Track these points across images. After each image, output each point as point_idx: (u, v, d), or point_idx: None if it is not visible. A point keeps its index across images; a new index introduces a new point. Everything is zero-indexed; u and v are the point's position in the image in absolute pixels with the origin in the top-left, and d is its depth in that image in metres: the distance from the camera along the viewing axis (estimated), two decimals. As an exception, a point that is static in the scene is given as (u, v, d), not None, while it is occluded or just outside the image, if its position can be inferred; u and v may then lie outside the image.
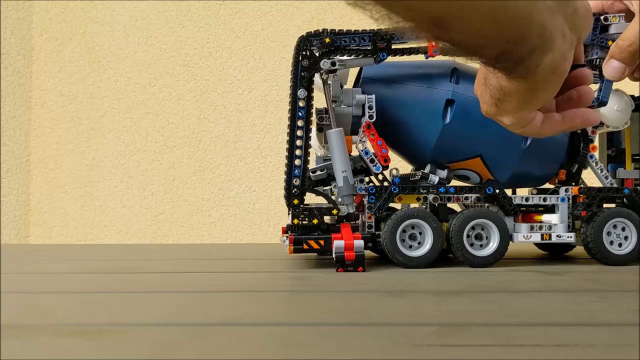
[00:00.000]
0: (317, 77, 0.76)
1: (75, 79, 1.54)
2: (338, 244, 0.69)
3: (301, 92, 0.75)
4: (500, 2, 0.36)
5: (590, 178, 0.83)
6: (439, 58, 0.78)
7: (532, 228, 0.76)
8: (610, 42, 0.75)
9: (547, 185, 0.83)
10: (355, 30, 0.75)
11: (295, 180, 0.75)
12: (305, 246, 0.72)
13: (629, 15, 0.75)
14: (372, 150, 0.77)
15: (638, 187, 0.78)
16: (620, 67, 0.66)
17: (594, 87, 0.77)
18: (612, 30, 0.76)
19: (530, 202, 0.78)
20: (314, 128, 0.78)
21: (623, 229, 0.75)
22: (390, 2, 0.34)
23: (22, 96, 1.56)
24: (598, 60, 0.76)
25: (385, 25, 0.35)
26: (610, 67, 0.67)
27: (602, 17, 0.75)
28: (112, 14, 1.54)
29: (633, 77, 0.71)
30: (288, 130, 0.75)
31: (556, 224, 0.76)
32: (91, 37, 1.54)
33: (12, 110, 1.55)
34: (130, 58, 1.53)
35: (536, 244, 0.91)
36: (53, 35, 1.55)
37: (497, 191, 0.77)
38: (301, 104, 0.75)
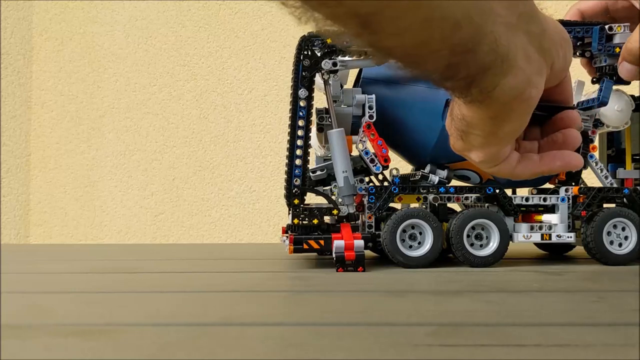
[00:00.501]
0: (317, 77, 0.76)
1: (75, 79, 1.54)
2: (338, 243, 0.69)
3: (302, 92, 0.75)
4: (434, 1, 0.31)
5: (590, 178, 0.83)
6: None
7: (532, 228, 0.76)
8: (617, 49, 0.75)
9: (547, 185, 0.83)
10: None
11: (296, 180, 0.75)
12: (305, 246, 0.72)
13: (632, 10, 0.75)
14: (372, 150, 0.77)
15: (638, 187, 0.78)
16: (632, 68, 0.66)
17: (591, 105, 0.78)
18: (617, 40, 0.76)
19: (530, 202, 0.78)
20: (313, 128, 0.78)
21: (623, 229, 0.75)
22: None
23: (22, 96, 1.56)
24: (608, 67, 0.76)
25: (311, 28, 0.32)
26: (624, 69, 0.67)
27: (606, 27, 0.75)
28: (112, 14, 1.54)
29: None
30: (289, 130, 0.75)
31: (556, 224, 0.76)
32: (91, 37, 1.54)
33: (12, 110, 1.55)
34: (130, 58, 1.53)
35: (536, 244, 0.91)
36: (53, 35, 1.55)
37: (497, 191, 0.77)
38: (302, 103, 0.75)
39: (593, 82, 0.79)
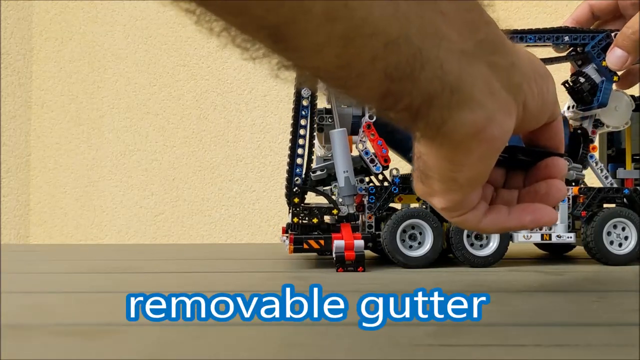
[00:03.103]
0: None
1: (75, 79, 1.54)
2: (338, 243, 0.69)
3: (305, 91, 0.75)
4: (356, 13, 0.26)
5: (590, 178, 0.83)
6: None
7: (532, 228, 0.76)
8: (604, 63, 0.75)
9: (547, 185, 0.83)
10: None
11: (297, 180, 0.75)
12: (305, 246, 0.72)
13: (616, 11, 0.74)
14: (372, 150, 0.77)
15: (638, 187, 0.78)
16: (623, 55, 0.63)
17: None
18: None
19: (530, 202, 0.78)
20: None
21: (623, 229, 0.75)
22: (206, 1, 0.27)
23: (22, 96, 1.56)
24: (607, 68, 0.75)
25: (222, 42, 0.28)
26: (614, 55, 0.63)
27: (612, 34, 0.74)
28: (112, 13, 1.54)
29: (628, 81, 0.69)
30: (291, 129, 0.75)
31: (556, 224, 0.76)
32: (91, 37, 1.54)
33: (12, 110, 1.55)
34: (130, 58, 1.53)
35: (536, 244, 0.91)
36: (53, 35, 1.55)
37: (497, 191, 0.77)
38: (305, 102, 0.75)
39: (564, 84, 0.79)
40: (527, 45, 0.79)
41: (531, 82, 0.35)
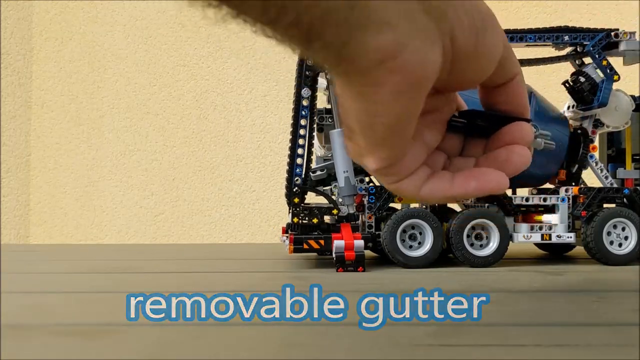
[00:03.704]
0: (320, 78, 0.76)
1: (75, 79, 1.54)
2: (338, 243, 0.69)
3: (305, 91, 0.75)
4: None
5: (590, 178, 0.83)
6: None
7: (532, 228, 0.76)
8: (604, 62, 0.75)
9: (547, 185, 0.83)
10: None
11: (297, 179, 0.75)
12: (305, 246, 0.72)
13: None
14: (372, 150, 0.77)
15: (638, 187, 0.78)
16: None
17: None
18: (622, 47, 0.76)
19: (530, 202, 0.78)
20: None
21: (623, 229, 0.75)
22: None
23: (22, 96, 1.56)
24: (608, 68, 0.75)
25: None
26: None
27: (612, 33, 0.74)
28: (112, 14, 1.53)
29: None
30: (291, 129, 0.75)
31: (556, 224, 0.76)
32: (91, 37, 1.54)
33: (12, 110, 1.55)
34: (130, 58, 1.53)
35: (536, 244, 0.91)
36: (53, 35, 1.55)
37: (497, 191, 0.76)
38: (305, 102, 0.75)
39: (564, 84, 0.79)
40: (527, 45, 0.79)
41: (459, 11, 0.29)
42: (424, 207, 0.77)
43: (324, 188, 0.79)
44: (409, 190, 0.34)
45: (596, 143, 0.81)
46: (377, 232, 0.75)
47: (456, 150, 0.37)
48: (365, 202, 0.75)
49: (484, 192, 0.34)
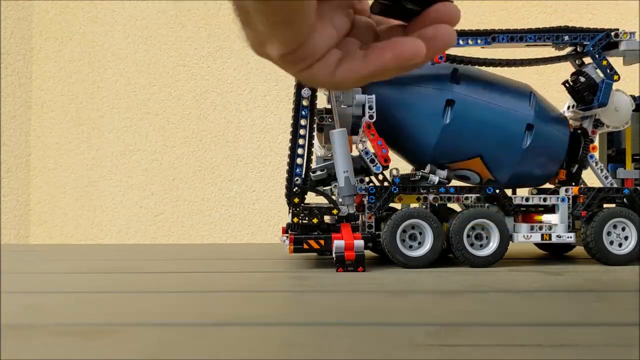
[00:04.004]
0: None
1: (75, 79, 1.54)
2: (338, 243, 0.69)
3: (305, 91, 0.75)
4: None
5: (590, 178, 0.83)
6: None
7: (532, 228, 0.76)
8: (604, 62, 0.75)
9: (547, 186, 0.83)
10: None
11: (297, 179, 0.75)
12: (305, 246, 0.72)
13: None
14: (372, 150, 0.77)
15: (638, 187, 0.78)
16: None
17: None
18: (622, 47, 0.76)
19: (530, 202, 0.78)
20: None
21: (623, 229, 0.75)
22: None
23: (22, 96, 1.56)
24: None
25: None
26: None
27: (612, 34, 0.74)
28: (112, 14, 1.53)
29: None
30: (291, 129, 0.75)
31: (556, 224, 0.76)
32: (91, 37, 1.54)
33: (12, 110, 1.55)
34: (130, 58, 1.53)
35: (536, 244, 0.91)
36: (53, 35, 1.55)
37: (497, 191, 0.77)
38: (305, 103, 0.75)
39: (564, 84, 0.79)
40: (527, 45, 0.79)
41: None
42: (424, 207, 0.77)
43: (324, 188, 0.79)
44: (323, 75, 0.31)
45: (596, 143, 0.81)
46: (377, 232, 0.75)
47: (368, 37, 0.34)
48: (365, 202, 0.75)
49: (402, 61, 0.31)
